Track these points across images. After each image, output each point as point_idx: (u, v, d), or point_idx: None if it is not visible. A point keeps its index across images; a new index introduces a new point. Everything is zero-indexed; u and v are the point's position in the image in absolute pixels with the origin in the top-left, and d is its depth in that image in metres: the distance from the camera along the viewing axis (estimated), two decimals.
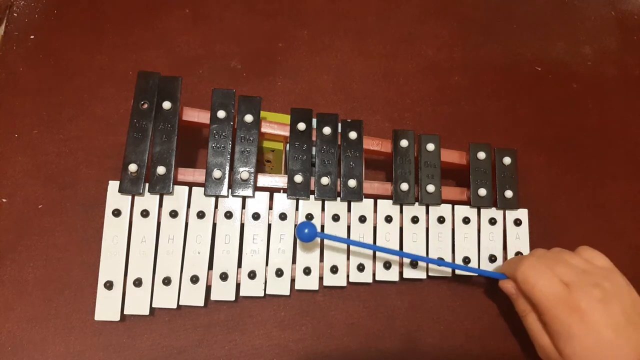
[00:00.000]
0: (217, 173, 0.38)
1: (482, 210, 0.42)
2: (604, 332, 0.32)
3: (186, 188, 0.38)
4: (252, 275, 0.38)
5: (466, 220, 0.42)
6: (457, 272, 0.41)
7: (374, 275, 0.40)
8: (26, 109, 0.46)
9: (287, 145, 0.42)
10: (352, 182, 0.40)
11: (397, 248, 0.40)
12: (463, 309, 0.43)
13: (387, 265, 0.40)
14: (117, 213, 0.37)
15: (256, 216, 0.39)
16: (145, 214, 0.37)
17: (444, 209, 0.42)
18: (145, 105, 0.39)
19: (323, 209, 0.40)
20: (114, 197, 0.38)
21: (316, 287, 0.39)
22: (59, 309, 0.40)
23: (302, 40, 0.52)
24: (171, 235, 0.38)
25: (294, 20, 0.53)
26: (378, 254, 0.40)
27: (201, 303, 0.37)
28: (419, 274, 0.41)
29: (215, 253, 0.38)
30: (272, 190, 0.40)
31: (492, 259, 0.41)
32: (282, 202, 0.40)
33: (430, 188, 0.41)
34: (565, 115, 0.52)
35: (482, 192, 0.42)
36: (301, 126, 0.41)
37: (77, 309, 0.40)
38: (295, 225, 0.39)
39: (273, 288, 0.38)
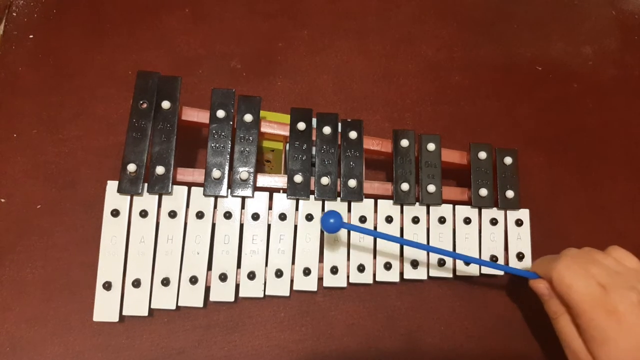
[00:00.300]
0: (216, 173, 0.38)
1: (483, 211, 0.42)
2: None
3: (185, 188, 0.38)
4: (251, 275, 0.38)
5: (467, 221, 0.42)
6: (462, 271, 0.41)
7: (374, 275, 0.40)
8: (26, 109, 0.46)
9: (287, 145, 0.42)
10: (352, 182, 0.40)
11: (397, 247, 0.40)
12: (463, 309, 0.42)
13: (388, 265, 0.40)
14: (115, 213, 0.37)
15: (256, 216, 0.39)
16: (144, 214, 0.37)
17: (445, 209, 0.41)
18: (145, 105, 0.39)
19: (323, 209, 0.40)
20: (113, 197, 0.37)
21: (315, 288, 0.39)
22: (58, 310, 0.40)
23: (302, 40, 0.52)
24: (170, 235, 0.38)
25: (294, 20, 0.53)
26: (405, 250, 0.40)
27: (200, 304, 0.37)
28: (419, 274, 0.40)
29: (214, 253, 0.38)
30: (271, 190, 0.40)
31: (493, 259, 0.41)
32: (282, 202, 0.39)
33: (431, 188, 0.41)
34: (565, 115, 0.52)
35: (483, 192, 0.41)
36: (301, 126, 0.40)
37: (76, 310, 0.40)
38: (296, 225, 0.39)
39: (272, 289, 0.38)
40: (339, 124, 0.42)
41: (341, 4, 0.55)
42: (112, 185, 0.38)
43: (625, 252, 0.37)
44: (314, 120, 0.41)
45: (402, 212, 0.41)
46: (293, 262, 0.39)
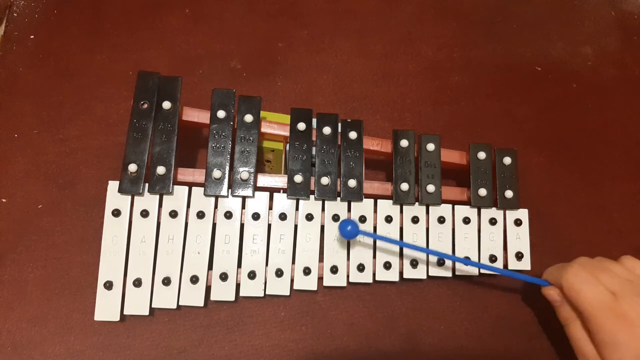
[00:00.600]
0: (217, 173, 0.38)
1: (483, 210, 0.42)
2: None
3: (186, 188, 0.38)
4: (252, 275, 0.38)
5: (466, 220, 0.42)
6: (462, 271, 0.41)
7: (374, 275, 0.40)
8: (26, 109, 0.46)
9: (287, 145, 0.42)
10: (352, 182, 0.40)
11: (397, 247, 0.40)
12: (463, 309, 0.43)
13: (387, 265, 0.40)
14: (116, 213, 0.37)
15: (256, 216, 0.39)
16: (145, 214, 0.37)
17: (444, 209, 0.42)
18: (145, 105, 0.39)
19: (323, 209, 0.40)
20: (114, 197, 0.37)
21: (315, 288, 0.39)
22: (59, 309, 0.40)
23: (302, 40, 0.52)
24: (171, 235, 0.38)
25: (294, 20, 0.53)
26: (405, 249, 0.40)
27: (201, 303, 0.37)
28: (419, 274, 0.40)
29: (215, 253, 0.38)
30: (272, 190, 0.40)
31: (493, 259, 0.41)
32: (282, 202, 0.40)
33: (431, 188, 0.41)
34: (565, 115, 0.52)
35: (483, 192, 0.42)
36: (301, 126, 0.41)
37: (77, 309, 0.40)
38: (296, 225, 0.39)
39: (273, 288, 0.38)
40: (339, 124, 0.42)
41: (341, 4, 0.55)
42: (113, 185, 0.38)
43: (637, 261, 0.38)
44: (314, 121, 0.41)
45: (401, 212, 0.41)
46: (293, 262, 0.39)
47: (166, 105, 0.39)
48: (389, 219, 0.40)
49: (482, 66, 0.53)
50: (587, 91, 0.53)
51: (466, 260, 0.39)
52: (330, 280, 0.39)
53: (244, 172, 0.39)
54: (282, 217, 0.39)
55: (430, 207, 0.42)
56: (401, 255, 0.41)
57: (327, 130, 0.41)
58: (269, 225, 0.39)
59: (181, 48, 0.50)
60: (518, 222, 0.42)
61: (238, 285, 0.38)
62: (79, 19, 0.50)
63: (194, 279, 0.37)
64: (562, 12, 0.57)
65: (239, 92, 0.41)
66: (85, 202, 0.43)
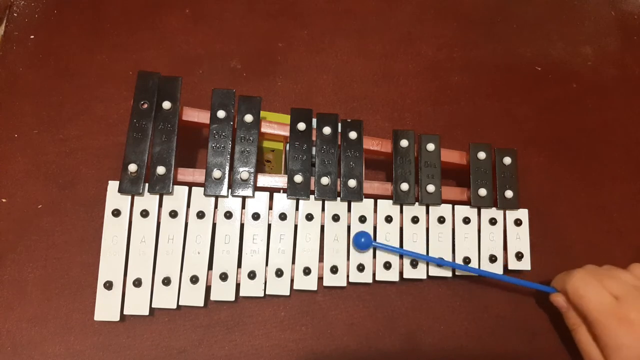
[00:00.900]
0: (217, 173, 0.38)
1: (483, 210, 0.42)
2: None
3: (186, 188, 0.38)
4: (252, 275, 0.38)
5: (466, 220, 0.42)
6: (462, 271, 0.41)
7: (374, 275, 0.40)
8: (26, 109, 0.46)
9: (287, 145, 0.42)
10: (352, 182, 0.40)
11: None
12: (463, 309, 0.43)
13: (387, 265, 0.40)
14: (116, 213, 0.37)
15: (256, 216, 0.39)
16: (144, 214, 0.37)
17: (444, 209, 0.42)
18: (145, 105, 0.39)
19: (323, 209, 0.40)
20: (114, 197, 0.37)
21: (315, 288, 0.39)
22: (59, 309, 0.40)
23: (302, 40, 0.52)
24: (171, 235, 0.38)
25: (294, 20, 0.53)
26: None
27: (201, 303, 0.37)
28: (419, 274, 0.40)
29: (215, 253, 0.38)
30: (272, 190, 0.40)
31: (493, 259, 0.41)
32: (282, 202, 0.40)
33: (431, 188, 0.41)
34: (565, 115, 0.52)
35: (483, 192, 0.42)
36: (301, 126, 0.41)
37: (77, 309, 0.40)
38: (296, 225, 0.39)
39: (273, 288, 0.38)
40: (339, 124, 0.42)
41: (341, 4, 0.55)
42: (113, 185, 0.38)
43: None
44: (314, 121, 0.41)
45: (401, 212, 0.41)
46: (293, 262, 0.39)
47: (166, 105, 0.39)
48: (389, 219, 0.40)
49: (482, 66, 0.53)
50: (587, 91, 0.53)
51: (504, 276, 0.40)
52: (330, 280, 0.39)
53: (244, 172, 0.39)
54: (282, 217, 0.39)
55: (430, 207, 0.42)
56: (401, 255, 0.41)
57: (327, 130, 0.41)
58: (269, 225, 0.39)
59: (181, 48, 0.50)
60: (518, 222, 0.42)
61: (238, 285, 0.38)
62: (79, 19, 0.50)
63: (194, 279, 0.37)
64: (562, 12, 0.57)
65: (239, 92, 0.41)
66: (85, 202, 0.43)
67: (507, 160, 0.42)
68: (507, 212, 0.42)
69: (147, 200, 0.38)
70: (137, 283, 0.36)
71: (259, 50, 0.51)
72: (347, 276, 0.40)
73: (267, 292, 0.38)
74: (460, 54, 0.53)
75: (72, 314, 0.40)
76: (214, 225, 0.38)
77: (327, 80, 0.51)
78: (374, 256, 0.40)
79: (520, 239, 0.42)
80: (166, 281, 0.37)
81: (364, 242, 0.38)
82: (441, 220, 0.41)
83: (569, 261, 0.42)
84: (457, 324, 0.42)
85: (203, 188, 0.38)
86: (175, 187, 0.38)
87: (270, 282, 0.38)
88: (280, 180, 0.40)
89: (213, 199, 0.39)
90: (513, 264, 0.42)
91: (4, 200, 0.43)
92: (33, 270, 0.41)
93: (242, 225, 0.39)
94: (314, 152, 0.41)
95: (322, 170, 0.40)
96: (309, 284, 0.39)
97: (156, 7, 0.52)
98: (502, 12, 0.56)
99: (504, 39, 0.55)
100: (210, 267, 0.38)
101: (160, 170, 0.37)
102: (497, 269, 0.41)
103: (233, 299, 0.38)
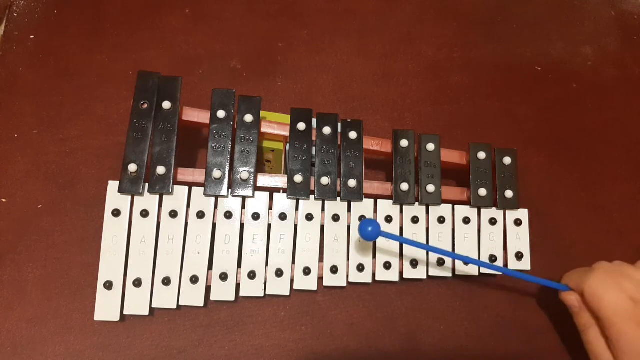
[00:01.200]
0: (217, 173, 0.38)
1: (483, 210, 0.42)
2: None
3: (186, 188, 0.38)
4: (252, 275, 0.38)
5: (466, 220, 0.42)
6: (462, 271, 0.41)
7: (373, 275, 0.40)
8: (26, 109, 0.46)
9: (287, 145, 0.42)
10: (352, 182, 0.40)
11: (397, 248, 0.40)
12: (463, 309, 0.43)
13: (387, 265, 0.40)
14: (116, 213, 0.37)
15: (256, 216, 0.39)
16: (144, 214, 0.37)
17: (444, 209, 0.42)
18: (145, 105, 0.39)
19: (323, 209, 0.40)
20: (114, 197, 0.37)
21: (315, 288, 0.39)
22: (59, 309, 0.40)
23: (302, 40, 0.52)
24: (171, 235, 0.38)
25: (294, 20, 0.53)
26: (404, 249, 0.40)
27: (201, 303, 0.37)
28: (419, 274, 0.40)
29: (215, 253, 0.38)
30: (272, 190, 0.40)
31: (493, 259, 0.41)
32: (282, 202, 0.40)
33: (431, 188, 0.41)
34: (565, 115, 0.52)
35: (483, 192, 0.42)
36: (301, 126, 0.41)
37: (77, 309, 0.40)
38: (296, 225, 0.39)
39: (273, 288, 0.38)
40: (339, 124, 0.42)
41: (341, 4, 0.55)
42: (113, 185, 0.38)
43: None
44: (314, 121, 0.41)
45: (401, 212, 0.41)
46: (293, 262, 0.39)
47: (166, 105, 0.39)
48: (389, 219, 0.40)
49: (482, 66, 0.53)
50: (587, 91, 0.53)
51: (509, 270, 0.39)
52: (330, 280, 0.39)
53: (244, 172, 0.39)
54: (282, 217, 0.39)
55: (430, 207, 0.42)
56: (401, 255, 0.41)
57: (327, 130, 0.41)
58: (269, 225, 0.39)
59: (181, 48, 0.50)
60: (518, 222, 0.42)
61: (238, 285, 0.38)
62: (79, 19, 0.50)
63: (194, 279, 0.37)
64: (562, 12, 0.57)
65: (239, 92, 0.41)
66: (85, 202, 0.43)
67: (507, 160, 0.42)
68: (507, 212, 0.42)
69: (147, 200, 0.38)
70: (137, 283, 0.36)
71: (259, 50, 0.51)
72: (347, 276, 0.40)
73: (267, 292, 0.38)
74: (460, 54, 0.53)
75: (72, 314, 0.40)
76: (214, 225, 0.38)
77: (327, 80, 0.51)
78: (374, 256, 0.40)
79: (520, 239, 0.42)
80: (166, 281, 0.37)
81: (371, 231, 0.35)
82: (441, 220, 0.41)
83: (569, 261, 0.42)
84: (457, 324, 0.42)
85: (203, 188, 0.38)
86: (175, 187, 0.38)
87: (270, 282, 0.38)
88: (280, 180, 0.40)
89: (213, 199, 0.39)
90: (513, 264, 0.42)
91: (4, 200, 0.43)
92: (33, 270, 0.41)
93: (242, 225, 0.39)
94: (314, 152, 0.41)
95: (322, 170, 0.40)
96: (309, 284, 0.39)
97: (156, 7, 0.52)
98: (502, 12, 0.56)
99: (504, 39, 0.55)
100: (210, 267, 0.38)
101: (160, 170, 0.37)
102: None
103: (233, 299, 0.38)
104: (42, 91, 0.47)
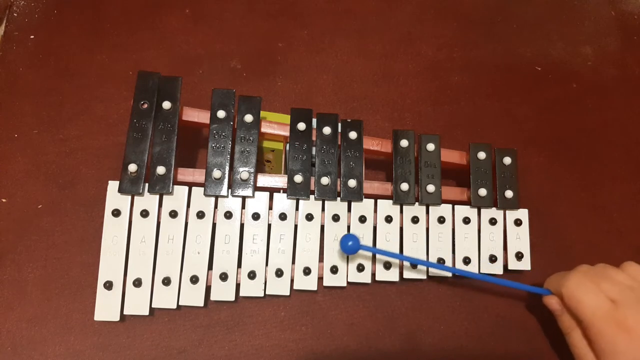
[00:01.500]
0: (217, 173, 0.38)
1: (483, 210, 0.42)
2: None
3: (186, 188, 0.38)
4: (252, 275, 0.38)
5: (466, 220, 0.42)
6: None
7: (373, 275, 0.40)
8: (26, 109, 0.46)
9: (287, 145, 0.42)
10: (352, 182, 0.40)
11: (397, 248, 0.40)
12: (463, 309, 0.43)
13: (387, 265, 0.40)
14: (116, 213, 0.37)
15: (256, 216, 0.39)
16: (144, 214, 0.37)
17: (444, 209, 0.42)
18: (145, 105, 0.39)
19: (323, 209, 0.40)
20: (114, 197, 0.37)
21: (315, 288, 0.39)
22: (59, 309, 0.40)
23: (302, 40, 0.52)
24: (171, 235, 0.38)
25: (294, 20, 0.53)
26: (404, 250, 0.40)
27: (201, 303, 0.37)
28: (419, 274, 0.41)
29: (215, 253, 0.38)
30: (272, 190, 0.40)
31: (493, 259, 0.41)
32: (282, 202, 0.40)
33: (431, 188, 0.41)
34: (565, 115, 0.52)
35: (483, 192, 0.42)
36: (301, 126, 0.41)
37: (77, 309, 0.40)
38: (296, 225, 0.39)
39: (273, 288, 0.38)
40: (339, 124, 0.42)
41: (341, 4, 0.55)
42: (113, 185, 0.38)
43: (639, 267, 0.37)
44: (314, 121, 0.41)
45: (401, 212, 0.41)
46: (293, 262, 0.39)
47: (166, 105, 0.39)
48: (389, 219, 0.40)
49: (482, 66, 0.53)
50: (587, 91, 0.53)
51: (484, 276, 0.39)
52: (330, 280, 0.39)
53: (244, 172, 0.39)
54: (282, 217, 0.39)
55: (430, 207, 0.42)
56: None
57: (327, 130, 0.41)
58: (269, 225, 0.39)
59: (181, 48, 0.50)
60: (518, 222, 0.42)
61: (238, 285, 0.38)
62: (79, 19, 0.51)
63: (194, 279, 0.37)
64: (562, 12, 0.57)
65: (239, 92, 0.41)
66: (85, 202, 0.43)
67: (507, 160, 0.42)
68: (507, 212, 0.42)
69: (147, 200, 0.38)
70: (137, 283, 0.36)
71: (259, 50, 0.51)
72: (347, 276, 0.40)
73: (267, 292, 0.38)
74: (460, 54, 0.53)
75: (72, 314, 0.40)
76: (214, 225, 0.38)
77: (327, 80, 0.51)
78: (374, 257, 0.40)
79: (520, 239, 0.42)
80: (166, 281, 0.37)
81: (351, 245, 0.37)
82: (441, 220, 0.41)
83: (569, 261, 0.42)
84: (457, 324, 0.42)
85: (203, 188, 0.38)
86: (175, 187, 0.38)
87: (270, 282, 0.38)
88: (280, 180, 0.40)
89: (213, 199, 0.39)
90: (513, 264, 0.42)
91: (4, 200, 0.43)
92: (33, 270, 0.41)
93: (242, 225, 0.39)
94: (314, 152, 0.41)
95: (322, 170, 0.40)
96: (309, 284, 0.39)
97: (156, 7, 0.52)
98: (502, 12, 0.56)
99: (504, 39, 0.55)
100: (210, 267, 0.38)
101: (160, 170, 0.37)
102: (497, 269, 0.41)
103: (233, 299, 0.38)
104: (42, 91, 0.47)
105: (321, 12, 0.54)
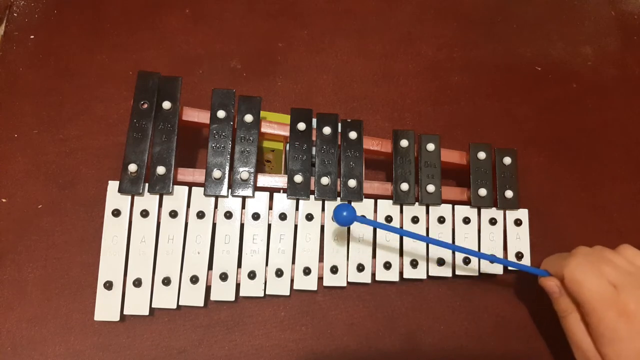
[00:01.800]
0: (217, 173, 0.38)
1: (483, 210, 0.42)
2: None
3: (186, 188, 0.38)
4: (252, 275, 0.38)
5: (466, 220, 0.42)
6: (462, 271, 0.41)
7: (373, 275, 0.40)
8: (26, 109, 0.46)
9: (287, 145, 0.42)
10: (352, 182, 0.40)
11: (397, 247, 0.40)
12: (463, 309, 0.43)
13: (387, 265, 0.40)
14: (116, 213, 0.37)
15: (256, 216, 0.39)
16: (144, 214, 0.37)
17: (444, 209, 0.42)
18: (145, 105, 0.39)
19: (323, 209, 0.40)
20: (114, 197, 0.37)
21: (315, 288, 0.39)
22: (59, 309, 0.40)
23: (302, 40, 0.52)
24: (171, 235, 0.38)
25: (294, 20, 0.53)
26: (405, 249, 0.40)
27: (201, 303, 0.37)
28: (419, 274, 0.40)
29: (215, 253, 0.38)
30: (272, 190, 0.40)
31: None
32: (282, 202, 0.40)
33: (431, 188, 0.41)
34: (565, 115, 0.52)
35: (483, 192, 0.42)
36: (301, 126, 0.41)
37: (77, 309, 0.40)
38: (296, 225, 0.39)
39: (273, 288, 0.38)
40: (339, 124, 0.42)
41: (341, 4, 0.55)
42: (113, 185, 0.38)
43: (636, 251, 0.37)
44: (314, 121, 0.41)
45: (401, 212, 0.41)
46: (293, 262, 0.39)
47: (166, 105, 0.39)
48: (389, 219, 0.40)
49: (482, 66, 0.53)
50: (587, 91, 0.53)
51: (475, 252, 0.38)
52: (330, 280, 0.39)
53: (244, 172, 0.39)
54: (282, 217, 0.39)
55: (430, 207, 0.42)
56: (401, 255, 0.41)
57: (327, 130, 0.41)
58: (269, 225, 0.39)
59: (181, 48, 0.50)
60: (518, 222, 0.42)
61: (238, 285, 0.38)
62: (79, 19, 0.50)
63: (194, 279, 0.37)
64: (562, 12, 0.57)
65: (239, 92, 0.41)
66: (85, 202, 0.43)
67: (507, 160, 0.42)
68: (507, 212, 0.42)
69: (147, 200, 0.38)
70: (137, 283, 0.36)
71: (259, 50, 0.51)
72: (347, 276, 0.40)
73: (267, 292, 0.38)
74: (460, 54, 0.53)
75: (72, 314, 0.40)
76: (214, 225, 0.38)
77: (327, 80, 0.51)
78: (374, 256, 0.40)
79: (520, 239, 0.42)
80: (166, 281, 0.37)
81: (346, 215, 0.34)
82: (441, 220, 0.41)
83: None
84: (457, 324, 0.42)
85: (203, 188, 0.38)
86: (175, 187, 0.38)
87: (270, 282, 0.38)
88: (280, 180, 0.40)
89: (213, 199, 0.39)
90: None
91: (4, 200, 0.43)
92: (33, 270, 0.41)
93: (242, 225, 0.39)
94: (314, 152, 0.41)
95: (322, 170, 0.40)
96: (309, 284, 0.39)
97: (156, 7, 0.52)
98: (502, 12, 0.56)
99: (504, 39, 0.55)
100: (210, 267, 0.38)
101: (160, 170, 0.37)
102: (497, 269, 0.41)
103: (233, 299, 0.38)
104: (42, 91, 0.47)
105: (321, 12, 0.54)
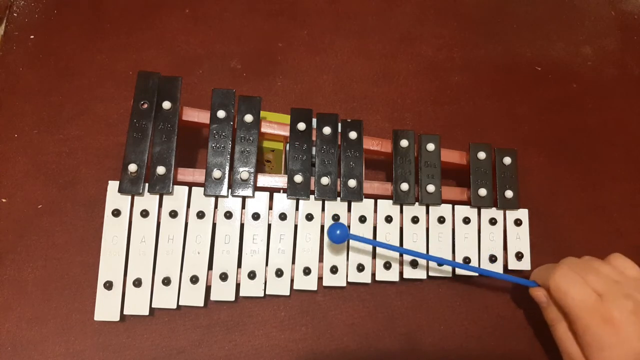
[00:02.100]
0: (217, 173, 0.38)
1: (483, 210, 0.42)
2: (635, 344, 0.32)
3: (186, 188, 0.38)
4: (252, 275, 0.38)
5: (466, 220, 0.42)
6: (462, 271, 0.41)
7: (373, 275, 0.40)
8: (26, 109, 0.46)
9: (287, 145, 0.42)
10: (352, 182, 0.40)
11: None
12: (463, 309, 0.43)
13: (387, 265, 0.40)
14: (116, 213, 0.37)
15: (256, 216, 0.39)
16: (144, 214, 0.37)
17: (444, 209, 0.42)
18: (145, 105, 0.39)
19: (323, 209, 0.40)
20: (114, 197, 0.37)
21: (315, 288, 0.39)
22: (59, 309, 0.40)
23: (302, 40, 0.52)
24: (171, 235, 0.38)
25: (294, 20, 0.53)
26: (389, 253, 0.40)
27: (201, 303, 0.37)
28: (419, 274, 0.41)
29: (215, 253, 0.38)
30: (272, 190, 0.40)
31: (493, 259, 0.41)
32: (282, 202, 0.40)
33: (431, 188, 0.41)
34: (565, 115, 0.52)
35: (483, 192, 0.42)
36: (301, 126, 0.41)
37: (77, 309, 0.40)
38: (296, 225, 0.39)
39: (273, 288, 0.38)
40: (339, 124, 0.42)
41: (341, 4, 0.55)
42: (113, 185, 0.38)
43: (626, 260, 0.37)
44: (314, 121, 0.41)
45: (401, 212, 0.41)
46: (293, 262, 0.39)
47: (166, 105, 0.39)
48: (389, 219, 0.40)
49: (482, 66, 0.53)
50: (587, 91, 0.53)
51: (480, 269, 0.39)
52: (330, 280, 0.39)
53: (244, 172, 0.39)
54: (282, 217, 0.39)
55: (430, 207, 0.42)
56: (401, 255, 0.41)
57: (327, 130, 0.41)
58: (269, 225, 0.39)
59: (181, 48, 0.50)
60: (518, 222, 0.42)
61: (238, 285, 0.38)
62: (79, 19, 0.51)
63: (194, 279, 0.37)
64: (562, 12, 0.57)
65: (239, 92, 0.41)
66: (85, 202, 0.43)
67: (507, 160, 0.42)
68: (507, 212, 0.42)
69: (147, 200, 0.38)
70: (137, 283, 0.36)
71: (259, 50, 0.51)
72: (347, 276, 0.40)
73: (267, 292, 0.38)
74: (460, 54, 0.53)
75: (72, 314, 0.40)
76: (214, 225, 0.38)
77: (327, 80, 0.51)
78: (374, 256, 0.40)
79: (520, 239, 0.42)
80: (166, 281, 0.37)
81: (339, 234, 0.36)
82: (441, 220, 0.41)
83: None
84: (457, 324, 0.42)
85: (203, 188, 0.38)
86: (175, 187, 0.38)
87: (270, 282, 0.38)
88: (280, 180, 0.40)
89: (213, 199, 0.39)
90: (513, 264, 0.42)
91: (4, 200, 0.43)
92: (33, 270, 0.41)
93: (242, 225, 0.39)
94: (314, 152, 0.41)
95: (322, 170, 0.40)
96: (309, 284, 0.39)
97: (156, 7, 0.52)
98: (502, 12, 0.56)
99: (504, 39, 0.55)
100: (210, 267, 0.38)
101: (160, 170, 0.37)
102: (497, 269, 0.41)
103: (233, 299, 0.38)
104: (42, 91, 0.47)
105: (321, 12, 0.54)
